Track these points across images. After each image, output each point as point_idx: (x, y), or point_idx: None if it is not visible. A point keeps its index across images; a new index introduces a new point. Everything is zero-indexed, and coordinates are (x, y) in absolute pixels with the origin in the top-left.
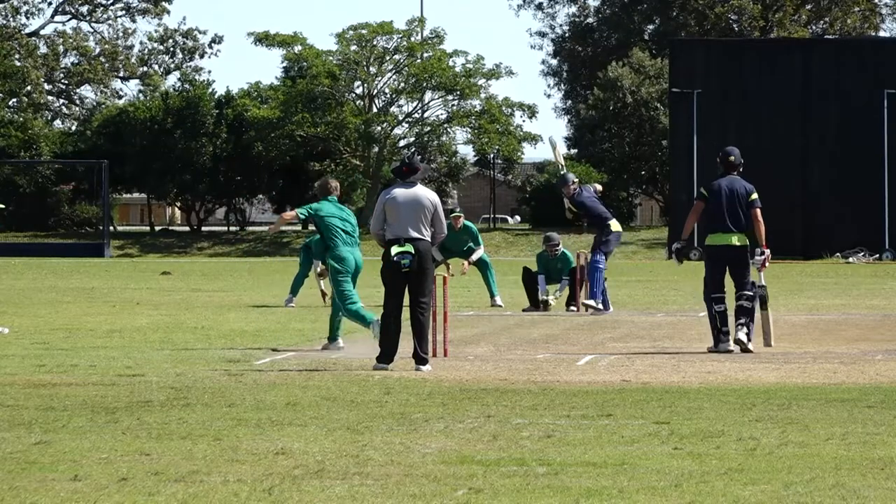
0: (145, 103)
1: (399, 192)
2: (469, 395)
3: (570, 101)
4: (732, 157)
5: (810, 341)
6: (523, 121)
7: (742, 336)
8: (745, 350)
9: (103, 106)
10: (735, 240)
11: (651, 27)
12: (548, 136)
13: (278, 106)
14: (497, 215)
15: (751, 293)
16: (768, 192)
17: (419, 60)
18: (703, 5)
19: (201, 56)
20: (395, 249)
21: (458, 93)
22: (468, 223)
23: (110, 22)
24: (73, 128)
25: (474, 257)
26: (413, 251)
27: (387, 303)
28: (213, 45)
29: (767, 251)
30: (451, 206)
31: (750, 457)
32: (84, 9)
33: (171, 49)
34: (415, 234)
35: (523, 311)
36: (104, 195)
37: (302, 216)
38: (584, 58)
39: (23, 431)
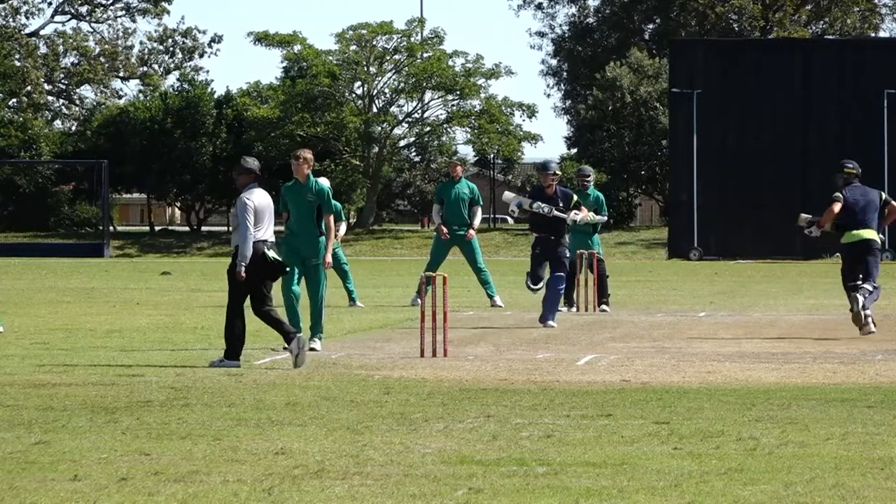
0: (145, 103)
1: (258, 194)
2: (469, 395)
3: (569, 101)
4: (852, 166)
5: (810, 341)
6: (523, 120)
7: (861, 300)
8: (863, 320)
9: (103, 106)
10: (871, 234)
11: (651, 27)
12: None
13: (278, 106)
14: (497, 215)
15: (876, 285)
16: (768, 192)
17: (419, 60)
18: (703, 5)
19: (201, 56)
20: (272, 253)
21: (458, 93)
22: (469, 182)
23: (110, 22)
24: (73, 128)
25: (476, 221)
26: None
27: (239, 301)
28: (212, 44)
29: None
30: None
31: (750, 457)
32: (84, 9)
33: (171, 49)
34: (273, 237)
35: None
36: (104, 195)
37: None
38: (584, 58)
39: (23, 431)
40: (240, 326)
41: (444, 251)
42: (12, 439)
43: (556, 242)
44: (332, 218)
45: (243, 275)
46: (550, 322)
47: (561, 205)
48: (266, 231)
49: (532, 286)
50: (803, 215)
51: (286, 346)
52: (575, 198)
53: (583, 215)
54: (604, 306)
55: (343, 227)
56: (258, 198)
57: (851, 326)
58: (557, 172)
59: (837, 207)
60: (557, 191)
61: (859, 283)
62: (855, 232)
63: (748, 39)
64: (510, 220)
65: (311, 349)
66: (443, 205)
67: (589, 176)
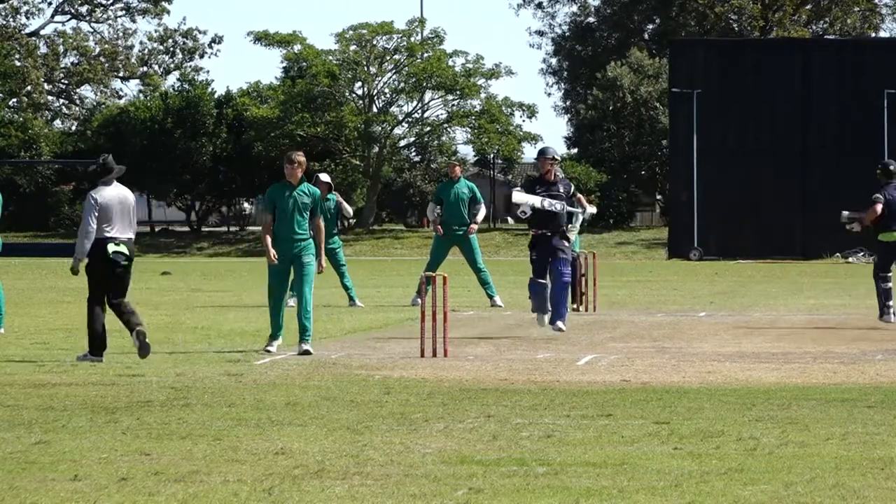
0: (145, 103)
1: (108, 192)
2: (469, 395)
3: (569, 101)
4: (893, 167)
5: (810, 341)
6: (523, 121)
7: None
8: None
9: (103, 106)
10: None
11: (651, 27)
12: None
13: (278, 106)
14: (498, 217)
15: None
16: (768, 192)
17: (419, 60)
18: (703, 5)
19: (201, 56)
20: (112, 248)
21: (458, 93)
22: (468, 182)
23: (110, 22)
24: (73, 128)
25: (479, 217)
26: (127, 251)
27: (95, 296)
28: (212, 45)
29: None
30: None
31: (750, 457)
32: (84, 9)
33: (171, 49)
34: (129, 234)
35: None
36: None
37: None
38: (584, 57)
39: (23, 431)
40: (99, 320)
41: (444, 251)
42: (12, 439)
43: (555, 239)
44: (321, 221)
45: (77, 270)
46: (560, 323)
47: (561, 190)
48: (114, 228)
49: (537, 302)
50: (845, 213)
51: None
52: (573, 188)
53: (591, 210)
54: (573, 304)
55: (350, 210)
56: (107, 195)
57: (852, 326)
58: (556, 157)
59: (879, 208)
60: (556, 176)
61: (888, 275)
62: (894, 231)
63: (748, 39)
64: (511, 221)
65: (305, 352)
66: (441, 204)
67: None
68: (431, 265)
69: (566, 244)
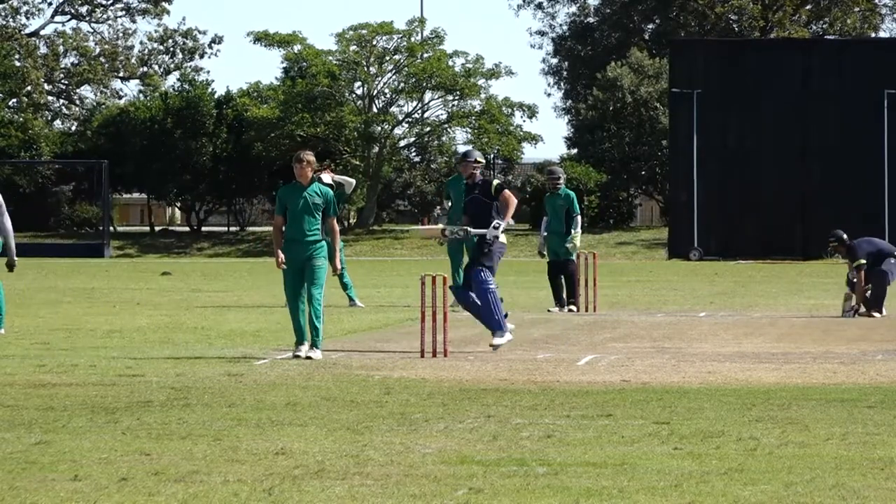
0: (145, 103)
1: None
2: (469, 395)
3: (570, 101)
4: (846, 236)
5: (810, 341)
6: (523, 121)
7: None
8: None
9: (103, 106)
10: None
11: (651, 27)
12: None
13: (278, 106)
14: None
15: None
16: (768, 192)
17: (419, 60)
18: (703, 5)
19: (201, 56)
20: None
21: (458, 93)
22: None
23: (110, 22)
24: (73, 128)
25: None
26: None
27: None
28: (212, 45)
29: None
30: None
31: (750, 457)
32: (84, 9)
33: (171, 49)
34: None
35: (548, 311)
36: (104, 195)
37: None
38: (584, 57)
39: (23, 431)
40: None
41: (460, 248)
42: (13, 439)
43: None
44: (335, 221)
45: None
46: (498, 338)
47: (477, 192)
48: None
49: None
50: (844, 305)
51: None
52: (496, 183)
53: (498, 222)
54: (572, 306)
55: (349, 180)
56: None
57: (852, 326)
58: (480, 160)
59: (864, 275)
60: (478, 180)
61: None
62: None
63: (748, 39)
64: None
65: (308, 357)
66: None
67: (559, 178)
68: (453, 265)
69: (487, 251)
